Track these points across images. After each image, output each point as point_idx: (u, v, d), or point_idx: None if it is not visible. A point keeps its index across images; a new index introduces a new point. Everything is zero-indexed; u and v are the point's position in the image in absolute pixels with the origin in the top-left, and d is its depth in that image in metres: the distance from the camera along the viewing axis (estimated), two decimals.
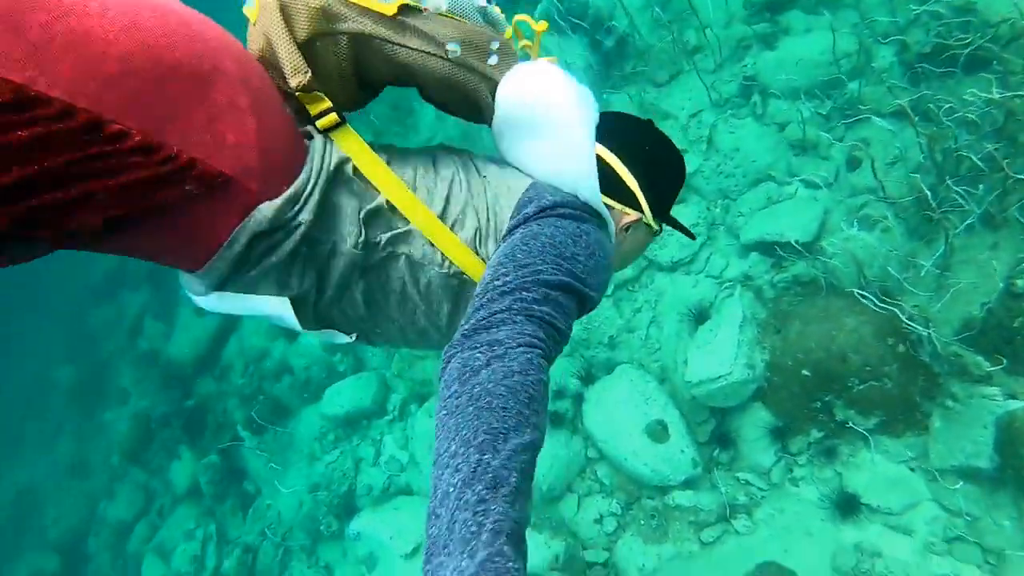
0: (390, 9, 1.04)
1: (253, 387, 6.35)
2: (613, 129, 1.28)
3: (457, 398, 0.79)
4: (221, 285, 1.01)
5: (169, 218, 0.89)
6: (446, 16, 1.09)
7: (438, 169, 1.18)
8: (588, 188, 1.17)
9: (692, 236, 1.50)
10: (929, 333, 3.10)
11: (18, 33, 0.67)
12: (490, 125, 1.23)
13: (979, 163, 3.19)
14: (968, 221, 3.36)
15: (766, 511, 3.59)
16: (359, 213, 1.06)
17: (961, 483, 3.09)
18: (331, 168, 1.04)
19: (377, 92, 1.24)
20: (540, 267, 0.97)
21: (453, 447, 0.74)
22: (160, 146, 0.80)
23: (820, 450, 3.55)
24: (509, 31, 1.18)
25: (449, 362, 0.86)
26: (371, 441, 5.48)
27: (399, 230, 1.09)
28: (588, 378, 4.36)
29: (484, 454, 0.72)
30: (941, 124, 3.47)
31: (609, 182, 1.24)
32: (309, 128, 1.10)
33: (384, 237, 1.08)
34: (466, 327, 0.89)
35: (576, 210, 1.13)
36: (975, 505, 3.08)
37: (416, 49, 1.07)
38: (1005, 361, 3.04)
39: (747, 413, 3.76)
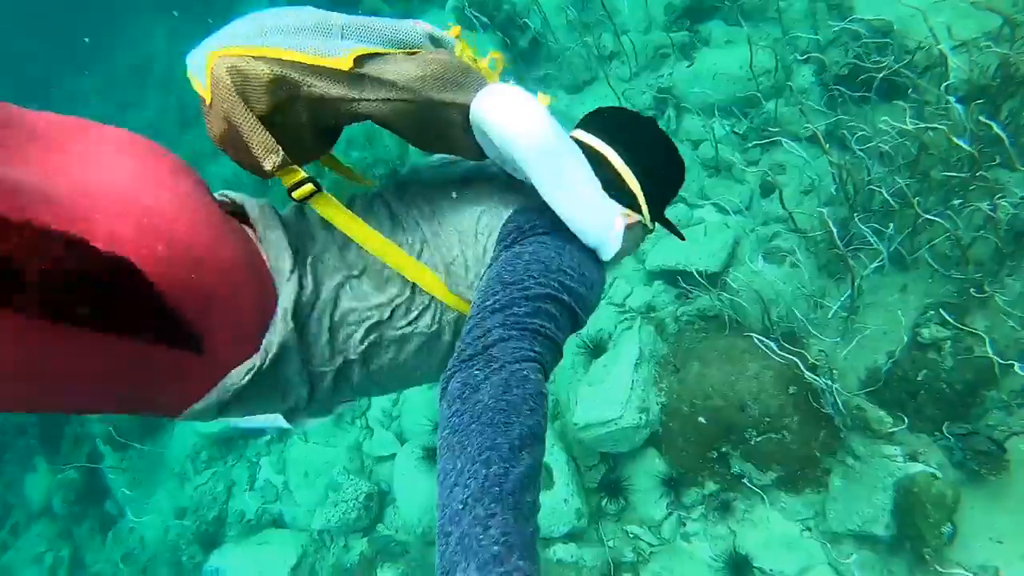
0: (345, 64, 0.99)
1: None
2: (616, 126, 1.27)
3: (460, 416, 0.79)
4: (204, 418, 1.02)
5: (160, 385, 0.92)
6: (403, 53, 1.05)
7: (416, 219, 1.18)
8: (606, 244, 1.16)
9: (682, 237, 1.46)
10: (832, 386, 2.79)
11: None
12: (474, 157, 1.17)
13: (890, 199, 2.91)
14: (877, 262, 3.08)
15: (654, 569, 3.25)
16: (345, 323, 1.07)
17: (855, 554, 2.80)
18: (303, 308, 1.04)
19: (338, 136, 1.19)
20: (527, 282, 0.97)
21: (458, 465, 0.74)
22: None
23: (715, 504, 3.23)
24: (459, 48, 1.13)
25: (448, 383, 0.86)
26: (247, 463, 4.96)
27: (397, 308, 1.11)
28: None
29: (490, 468, 0.72)
30: (855, 154, 3.19)
31: (611, 184, 1.21)
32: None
33: (377, 334, 1.09)
34: (462, 348, 0.89)
35: (556, 224, 1.12)
36: (870, 573, 2.80)
37: (377, 99, 1.02)
38: (907, 420, 2.77)
39: (640, 460, 3.41)
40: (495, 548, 0.66)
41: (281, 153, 1.00)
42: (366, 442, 4.53)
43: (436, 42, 1.11)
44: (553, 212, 1.12)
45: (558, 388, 3.87)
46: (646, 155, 1.27)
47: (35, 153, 0.84)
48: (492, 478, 0.71)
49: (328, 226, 1.13)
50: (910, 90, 3.19)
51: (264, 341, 0.99)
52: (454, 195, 1.21)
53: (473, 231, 1.15)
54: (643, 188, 1.26)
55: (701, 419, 3.18)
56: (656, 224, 1.36)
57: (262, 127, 0.98)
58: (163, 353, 0.86)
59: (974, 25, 3.23)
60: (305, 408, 1.10)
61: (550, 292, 0.97)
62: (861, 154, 3.02)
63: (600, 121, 1.31)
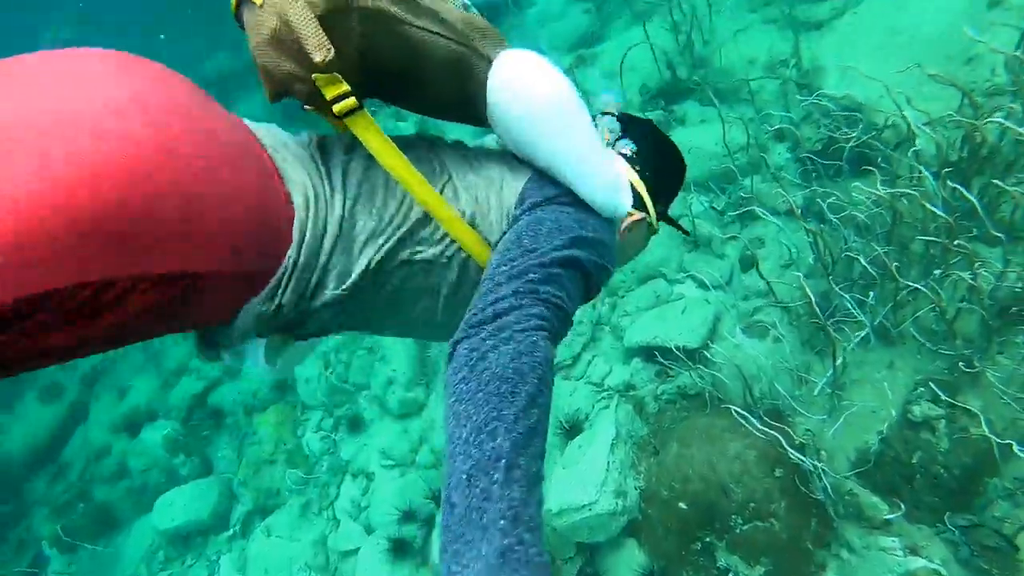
0: None
1: (72, 494, 5.39)
2: (616, 130, 1.30)
3: (467, 383, 0.78)
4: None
5: (166, 320, 0.88)
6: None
7: (443, 160, 1.17)
8: (622, 206, 1.19)
9: (687, 232, 1.50)
10: (818, 467, 2.59)
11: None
12: (484, 117, 1.16)
13: (870, 268, 2.81)
14: (861, 334, 2.95)
15: None
16: (369, 242, 1.04)
17: None
18: (328, 235, 1.00)
19: (369, 88, 1.12)
20: (545, 249, 0.97)
21: (464, 433, 0.73)
22: (144, 281, 0.78)
23: None
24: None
25: (456, 348, 0.85)
26: (206, 562, 4.62)
27: (420, 235, 1.08)
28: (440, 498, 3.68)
29: (496, 439, 0.71)
30: (832, 224, 3.12)
31: None
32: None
33: (402, 253, 1.06)
34: (473, 314, 0.88)
35: (575, 197, 1.13)
36: None
37: (425, 28, 1.03)
38: (903, 506, 2.55)
39: (619, 551, 3.14)
40: (501, 522, 0.65)
41: (332, 51, 0.94)
42: (331, 535, 4.23)
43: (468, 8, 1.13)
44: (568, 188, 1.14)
45: None
46: (647, 156, 1.30)
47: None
48: (497, 450, 0.70)
49: (350, 153, 1.11)
50: (880, 160, 3.15)
51: (285, 258, 0.96)
52: (474, 156, 1.21)
53: (499, 180, 1.15)
54: (648, 189, 1.28)
55: (682, 504, 2.94)
56: (660, 224, 1.37)
57: (317, 22, 0.94)
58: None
59: (936, 101, 3.24)
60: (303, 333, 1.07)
61: (567, 256, 0.97)
62: (837, 222, 2.95)
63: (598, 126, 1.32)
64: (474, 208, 1.11)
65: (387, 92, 1.15)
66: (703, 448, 2.97)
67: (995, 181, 2.52)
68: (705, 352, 3.40)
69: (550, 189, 1.14)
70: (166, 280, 0.79)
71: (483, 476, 0.69)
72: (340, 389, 4.77)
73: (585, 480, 3.07)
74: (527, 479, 0.70)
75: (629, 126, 1.35)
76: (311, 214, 0.98)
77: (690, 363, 3.32)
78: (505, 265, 0.95)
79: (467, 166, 1.17)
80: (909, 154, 2.69)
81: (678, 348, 3.39)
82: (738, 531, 2.83)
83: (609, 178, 1.16)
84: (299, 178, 1.00)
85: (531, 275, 0.93)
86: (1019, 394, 2.62)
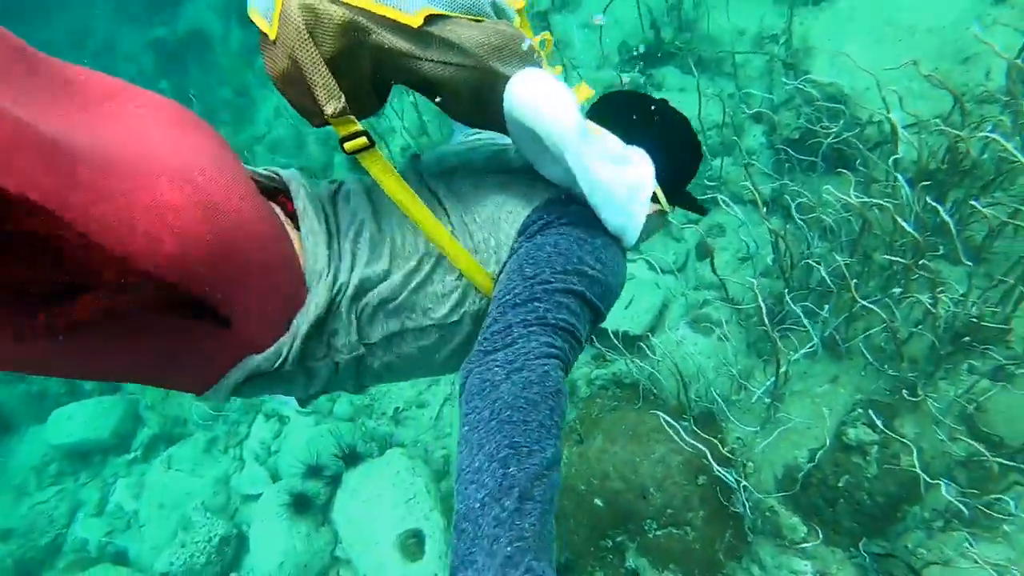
0: (416, 20, 0.95)
1: None
2: (628, 115, 1.23)
3: (479, 413, 0.79)
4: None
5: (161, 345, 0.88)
6: (468, 18, 0.99)
7: (440, 197, 1.16)
8: (630, 233, 1.15)
9: (704, 212, 1.41)
10: (742, 483, 2.44)
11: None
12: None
13: (828, 278, 2.62)
14: (808, 347, 2.78)
15: None
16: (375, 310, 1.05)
17: None
18: (337, 297, 1.02)
19: (387, 96, 1.11)
20: (548, 276, 0.96)
21: (477, 463, 0.74)
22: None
23: None
24: (517, 21, 1.08)
25: (468, 378, 0.85)
26: (100, 482, 4.37)
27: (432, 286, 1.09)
28: (352, 457, 3.49)
29: (508, 468, 0.72)
30: (797, 224, 2.91)
31: None
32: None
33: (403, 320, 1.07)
34: (482, 343, 0.88)
35: (578, 216, 1.09)
36: None
37: (439, 62, 0.99)
38: (821, 533, 2.43)
39: None
40: (508, 549, 0.66)
41: (343, 99, 0.96)
42: (235, 475, 4.02)
43: (498, 11, 1.05)
44: (577, 205, 1.11)
45: (453, 441, 3.45)
46: (662, 138, 1.23)
47: (75, 110, 0.81)
48: (510, 478, 0.71)
49: (362, 196, 1.14)
50: (858, 161, 2.93)
51: (292, 325, 0.98)
52: (477, 184, 1.17)
53: (498, 217, 1.11)
54: (661, 174, 1.21)
55: (598, 501, 2.79)
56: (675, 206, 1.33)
57: (327, 69, 0.94)
58: (190, 327, 0.86)
59: (925, 100, 3.02)
60: (322, 392, 1.10)
61: (571, 287, 0.96)
62: (802, 223, 2.74)
63: (611, 109, 1.26)
64: (481, 250, 1.10)
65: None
66: (628, 447, 2.81)
67: (971, 202, 2.32)
68: (644, 343, 3.22)
69: (548, 216, 1.10)
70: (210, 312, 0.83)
71: (495, 504, 0.69)
72: None
73: None
74: (539, 508, 0.70)
75: (641, 111, 1.27)
76: (322, 285, 0.99)
77: (628, 351, 3.13)
78: (509, 295, 0.94)
79: (465, 200, 1.15)
80: (890, 161, 2.47)
81: (616, 334, 3.19)
82: (651, 535, 2.70)
83: (622, 200, 1.11)
84: (314, 248, 1.02)
85: (537, 303, 0.92)
86: (955, 425, 2.51)
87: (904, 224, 2.27)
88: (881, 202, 2.31)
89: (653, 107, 1.29)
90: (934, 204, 2.25)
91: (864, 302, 2.36)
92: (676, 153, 1.27)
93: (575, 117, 1.01)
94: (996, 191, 2.74)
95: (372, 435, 3.73)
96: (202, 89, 6.40)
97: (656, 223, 1.31)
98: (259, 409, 4.25)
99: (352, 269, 1.04)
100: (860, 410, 2.62)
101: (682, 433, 2.43)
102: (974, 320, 2.48)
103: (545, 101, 0.99)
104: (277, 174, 1.11)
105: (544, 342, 0.87)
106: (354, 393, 1.20)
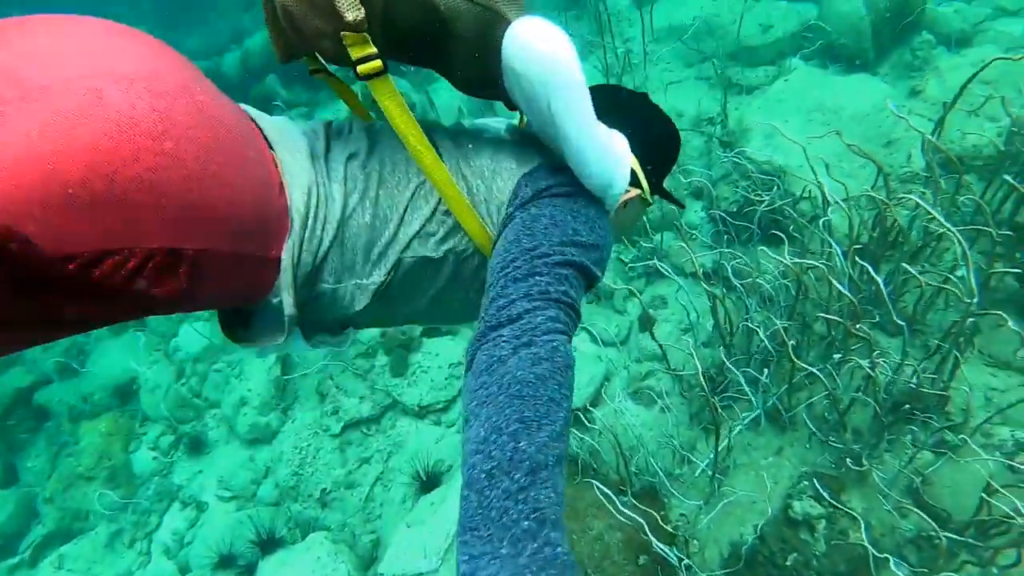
0: None
1: None
2: (609, 103, 1.21)
3: (487, 388, 0.78)
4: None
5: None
6: None
7: (445, 145, 1.16)
8: (617, 184, 1.15)
9: (682, 205, 1.46)
10: (684, 562, 2.27)
11: None
12: (500, 82, 1.09)
13: (769, 344, 2.57)
14: (751, 417, 2.70)
15: None
16: (376, 247, 1.06)
17: None
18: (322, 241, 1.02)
19: (393, 51, 1.07)
20: (546, 249, 0.96)
21: (483, 434, 0.73)
22: (134, 256, 0.76)
23: None
24: None
25: (475, 355, 0.84)
26: None
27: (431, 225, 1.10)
28: (270, 544, 3.18)
29: (519, 442, 0.71)
30: (737, 293, 2.89)
31: None
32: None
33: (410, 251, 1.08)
34: (487, 319, 0.88)
35: (570, 187, 1.11)
36: None
37: None
38: None
39: None
40: (526, 523, 0.64)
41: (363, 10, 0.93)
42: (138, 574, 3.62)
43: None
44: (567, 173, 1.12)
45: (384, 524, 3.20)
46: (642, 129, 1.25)
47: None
48: (520, 451, 0.70)
49: (360, 132, 1.15)
50: (792, 228, 2.97)
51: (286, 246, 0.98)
52: (474, 141, 1.19)
53: (492, 169, 1.13)
54: (642, 163, 1.25)
55: None
56: (655, 197, 1.35)
57: None
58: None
59: (853, 179, 3.12)
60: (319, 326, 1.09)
61: (569, 258, 0.96)
62: (741, 288, 2.72)
63: (594, 99, 1.23)
64: (473, 195, 1.11)
65: (410, 55, 1.11)
66: (566, 523, 2.62)
67: (904, 264, 2.33)
68: (585, 415, 3.09)
69: (541, 182, 1.11)
70: (169, 256, 0.78)
71: (504, 476, 0.68)
72: (189, 403, 4.20)
73: (428, 544, 2.66)
74: (551, 481, 0.69)
75: (622, 101, 1.30)
76: (311, 213, 0.99)
77: (574, 425, 2.98)
78: (508, 267, 0.94)
79: (466, 154, 1.16)
80: (821, 225, 2.50)
81: None
82: None
83: (608, 154, 1.11)
84: (301, 176, 1.00)
85: (538, 277, 0.92)
86: (901, 499, 2.42)
87: (839, 286, 2.26)
88: (816, 263, 2.30)
89: (632, 99, 1.32)
90: (868, 268, 2.25)
91: (805, 366, 2.31)
92: (656, 144, 1.30)
93: (572, 55, 1.00)
94: (924, 262, 2.79)
95: (296, 519, 3.44)
96: None
97: (637, 209, 1.33)
98: (175, 496, 3.90)
99: (341, 189, 1.04)
100: (806, 482, 2.51)
101: (619, 506, 2.28)
102: (913, 386, 2.45)
103: (544, 37, 0.99)
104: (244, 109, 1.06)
105: (550, 316, 0.87)
106: (336, 342, 1.16)
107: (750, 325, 2.60)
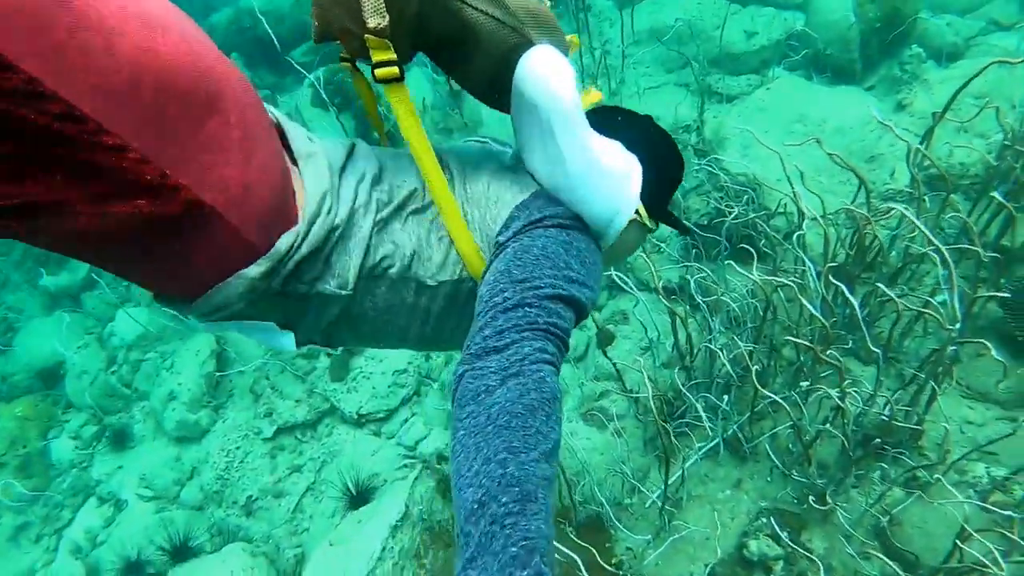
0: None
1: None
2: (612, 125, 1.21)
3: (474, 418, 0.77)
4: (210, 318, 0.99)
5: (151, 245, 0.85)
6: None
7: (448, 164, 1.18)
8: (623, 214, 1.14)
9: (686, 231, 1.47)
10: None
11: (43, 31, 0.64)
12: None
13: (732, 369, 2.36)
14: (710, 444, 2.48)
15: None
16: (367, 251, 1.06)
17: None
18: (335, 220, 1.02)
19: (412, 57, 1.13)
20: (536, 280, 0.95)
21: (475, 466, 0.72)
22: (152, 165, 0.76)
23: None
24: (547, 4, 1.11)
25: (460, 381, 0.83)
26: None
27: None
28: (182, 552, 2.91)
29: (506, 468, 0.70)
30: (702, 312, 2.68)
31: None
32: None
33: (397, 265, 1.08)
34: (473, 347, 0.86)
35: (564, 219, 1.09)
36: None
37: (483, 11, 1.02)
38: None
39: None
40: (513, 550, 0.63)
41: (388, 18, 0.94)
42: (41, 572, 3.33)
43: None
44: (559, 206, 1.11)
45: (310, 538, 2.94)
46: (641, 150, 1.21)
47: None
48: (509, 478, 0.69)
49: (369, 154, 1.16)
50: (763, 243, 2.76)
51: (282, 240, 0.96)
52: (476, 164, 1.19)
53: (487, 197, 1.12)
54: (645, 187, 1.19)
55: None
56: (658, 223, 1.33)
57: None
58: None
59: (832, 196, 2.92)
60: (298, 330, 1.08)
61: (559, 292, 0.95)
62: (704, 305, 2.50)
63: (596, 120, 1.20)
64: (468, 222, 1.11)
65: (433, 56, 1.13)
66: None
67: (880, 286, 2.12)
68: None
69: (535, 212, 1.09)
70: (170, 191, 0.78)
71: (493, 502, 0.67)
72: (119, 393, 3.90)
73: (349, 566, 2.41)
74: (541, 511, 0.68)
75: (624, 123, 1.26)
76: (322, 206, 1.00)
77: None
78: (497, 296, 0.93)
79: (464, 178, 1.15)
80: (795, 239, 2.29)
81: None
82: None
83: (611, 181, 1.11)
84: (315, 170, 1.02)
85: (528, 308, 0.90)
86: (866, 540, 2.21)
87: (810, 307, 2.04)
88: (786, 281, 2.09)
89: (630, 120, 1.28)
90: (842, 287, 2.04)
91: (769, 394, 2.09)
92: (659, 167, 1.25)
93: (573, 94, 1.02)
94: (903, 285, 2.60)
95: (220, 526, 3.17)
96: None
97: (638, 236, 1.29)
98: (92, 491, 3.61)
99: (353, 200, 1.05)
100: (764, 520, 2.30)
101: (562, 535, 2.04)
102: (885, 418, 2.24)
103: (553, 73, 1.02)
104: (276, 118, 1.07)
105: (537, 347, 0.85)
106: (323, 346, 1.16)
107: (711, 347, 2.38)
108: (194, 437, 3.57)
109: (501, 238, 1.08)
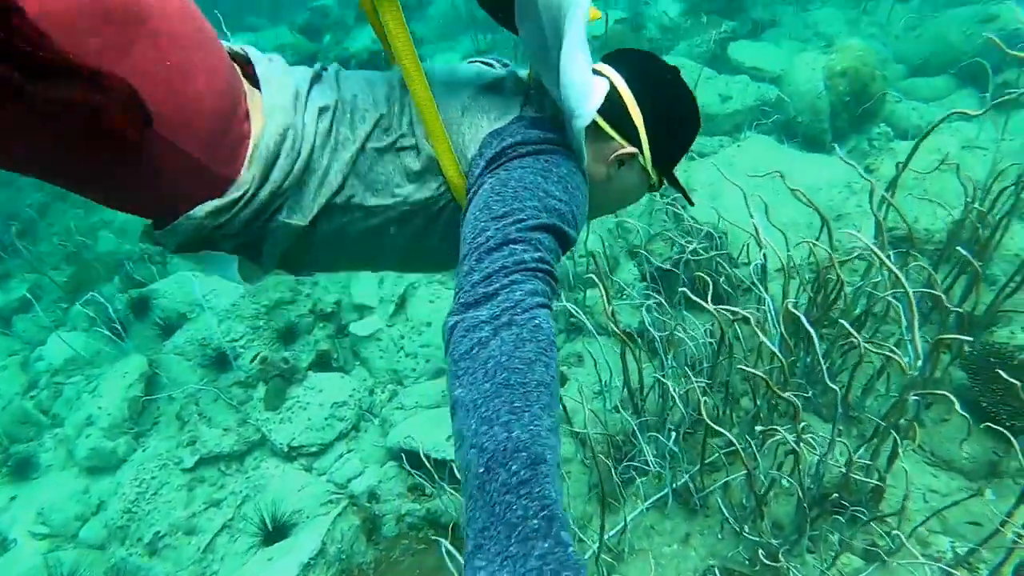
0: None
1: None
2: (634, 62, 1.22)
3: (472, 374, 0.75)
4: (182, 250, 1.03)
5: (97, 158, 0.87)
6: None
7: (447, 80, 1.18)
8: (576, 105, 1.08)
9: (691, 202, 1.39)
10: None
11: None
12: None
13: (684, 411, 2.20)
14: (658, 494, 2.29)
15: None
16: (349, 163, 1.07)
17: None
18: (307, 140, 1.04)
19: None
20: (519, 214, 0.93)
21: (474, 426, 0.70)
22: (85, 58, 0.78)
23: None
24: None
25: (453, 334, 0.81)
26: None
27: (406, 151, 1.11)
28: None
29: (511, 431, 0.68)
30: (660, 353, 2.54)
31: (613, 107, 1.16)
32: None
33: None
34: (463, 296, 0.85)
35: (539, 144, 1.07)
36: None
37: None
38: None
39: None
40: (535, 522, 0.60)
41: None
42: None
43: None
44: (539, 128, 1.09)
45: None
46: (658, 92, 1.19)
47: None
48: (515, 442, 0.66)
49: (356, 75, 1.18)
50: (724, 281, 2.66)
51: (252, 155, 1.00)
52: (458, 87, 1.17)
53: (460, 119, 1.12)
54: (647, 123, 1.17)
55: None
56: (664, 183, 1.30)
57: None
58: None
59: (799, 250, 2.85)
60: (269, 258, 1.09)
61: (542, 221, 0.92)
62: (657, 336, 2.37)
63: (622, 56, 1.24)
64: (459, 152, 1.10)
65: None
66: None
67: (841, 321, 2.01)
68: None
69: (508, 138, 1.07)
70: (130, 99, 0.81)
71: (501, 468, 0.65)
72: (32, 419, 3.61)
73: None
74: (553, 475, 0.65)
75: (650, 65, 1.23)
76: (282, 144, 1.00)
77: (453, 486, 2.54)
78: (480, 236, 0.90)
79: (449, 97, 1.14)
80: (752, 267, 2.19)
81: (442, 463, 2.62)
82: None
83: (587, 76, 1.06)
84: (278, 100, 1.03)
85: (513, 245, 0.87)
86: None
87: (767, 342, 1.92)
88: (743, 312, 1.97)
89: (663, 71, 1.23)
90: (801, 317, 1.92)
91: (721, 430, 1.93)
92: (673, 119, 1.22)
93: None
94: (866, 333, 2.49)
95: (118, 567, 2.85)
96: None
97: (636, 176, 1.23)
98: None
99: (314, 134, 1.05)
100: None
101: None
102: (843, 473, 2.08)
103: None
104: (243, 50, 1.10)
105: (528, 290, 0.82)
106: (291, 273, 1.18)
107: (662, 380, 2.23)
108: (108, 467, 3.28)
109: (476, 169, 1.07)
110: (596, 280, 2.20)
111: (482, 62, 1.30)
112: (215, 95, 0.93)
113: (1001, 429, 1.95)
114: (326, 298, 3.58)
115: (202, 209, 0.96)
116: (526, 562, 0.57)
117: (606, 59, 1.26)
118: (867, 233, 3.03)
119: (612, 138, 1.18)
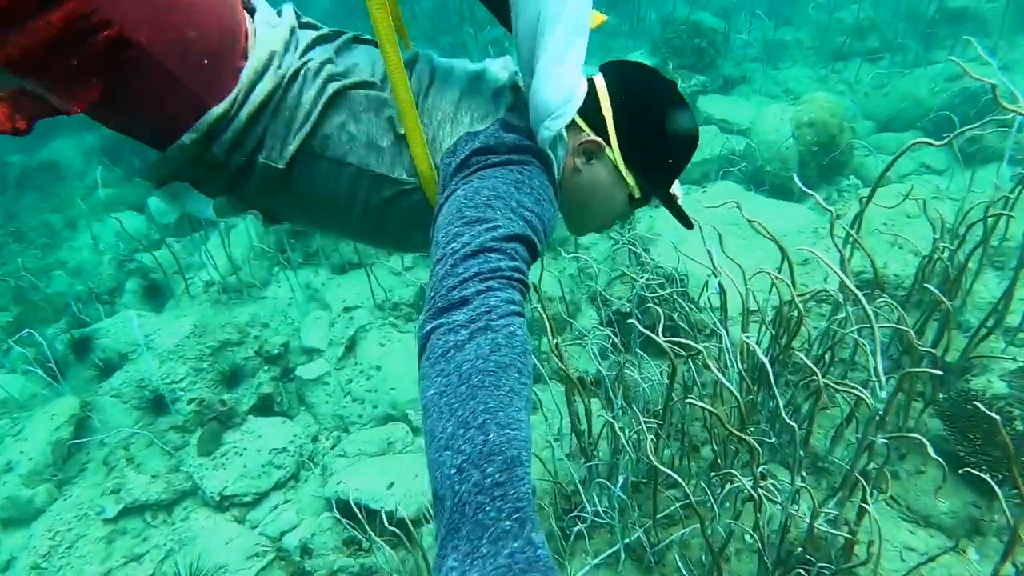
0: None
1: None
2: (627, 68, 1.24)
3: (446, 376, 0.75)
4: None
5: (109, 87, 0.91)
6: None
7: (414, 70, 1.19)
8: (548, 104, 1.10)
9: (690, 225, 1.32)
10: None
11: None
12: None
13: (633, 454, 2.03)
14: (610, 550, 2.09)
15: None
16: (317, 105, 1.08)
17: None
18: (286, 72, 1.06)
19: None
20: (493, 223, 0.93)
21: (450, 428, 0.69)
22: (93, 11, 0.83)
23: None
24: None
25: (429, 338, 0.81)
26: None
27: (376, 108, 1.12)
28: None
29: (488, 434, 0.67)
30: (611, 399, 2.39)
31: (588, 101, 1.18)
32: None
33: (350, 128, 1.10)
34: (438, 299, 0.84)
35: (511, 151, 1.08)
36: None
37: None
38: None
39: None
40: (507, 523, 0.60)
41: None
42: None
43: None
44: (511, 135, 1.09)
45: None
46: (634, 89, 1.20)
47: None
48: (490, 445, 0.66)
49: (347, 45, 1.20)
50: (681, 320, 2.53)
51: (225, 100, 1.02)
52: (447, 82, 1.19)
53: (442, 112, 1.14)
54: (618, 119, 1.18)
55: None
56: (652, 198, 1.28)
57: None
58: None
59: (762, 295, 2.74)
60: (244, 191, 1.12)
61: (515, 232, 0.93)
62: (613, 393, 2.22)
63: (615, 64, 1.26)
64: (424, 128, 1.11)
65: None
66: None
67: (799, 354, 1.87)
68: (416, 529, 2.43)
69: (478, 143, 1.08)
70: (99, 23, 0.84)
71: (475, 470, 0.64)
72: None
73: None
74: (527, 477, 0.65)
75: (641, 73, 1.24)
76: (269, 70, 1.04)
77: (392, 539, 2.33)
78: (455, 243, 0.89)
79: (434, 88, 1.16)
80: (707, 297, 2.07)
81: (389, 514, 2.41)
82: None
83: (562, 80, 1.07)
84: (269, 44, 1.06)
85: (488, 253, 0.88)
86: None
87: (724, 381, 1.77)
88: (696, 345, 1.83)
89: (663, 87, 1.22)
90: (754, 346, 1.79)
91: (667, 471, 1.75)
92: (655, 123, 1.19)
93: None
94: (831, 376, 2.35)
95: None
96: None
97: (609, 181, 1.22)
98: None
99: (306, 56, 1.09)
100: None
101: None
102: (807, 523, 1.90)
103: None
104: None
105: (504, 298, 0.82)
106: (271, 223, 1.22)
107: (611, 421, 2.07)
108: (24, 519, 3.01)
109: (448, 169, 1.08)
110: (540, 312, 2.06)
111: (492, 61, 1.31)
112: (210, 25, 0.98)
113: (982, 475, 1.78)
114: (274, 339, 3.40)
115: (188, 136, 1.00)
116: (495, 560, 0.57)
117: (605, 67, 1.28)
118: (832, 278, 2.94)
119: (582, 129, 1.20)
